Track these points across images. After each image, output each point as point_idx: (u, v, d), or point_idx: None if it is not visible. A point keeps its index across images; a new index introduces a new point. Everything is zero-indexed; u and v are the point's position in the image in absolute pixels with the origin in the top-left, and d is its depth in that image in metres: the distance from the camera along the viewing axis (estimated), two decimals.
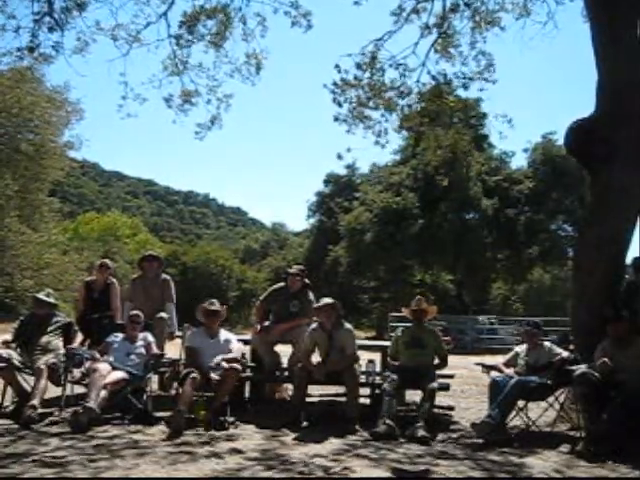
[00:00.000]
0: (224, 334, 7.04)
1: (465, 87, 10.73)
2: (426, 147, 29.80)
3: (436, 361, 6.98)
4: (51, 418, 6.25)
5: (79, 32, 10.12)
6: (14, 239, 18.13)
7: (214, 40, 10.60)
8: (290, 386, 7.31)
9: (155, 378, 7.51)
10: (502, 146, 33.71)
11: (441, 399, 7.14)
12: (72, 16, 9.81)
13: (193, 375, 6.25)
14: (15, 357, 6.61)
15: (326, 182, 44.95)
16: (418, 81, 10.59)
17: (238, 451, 5.24)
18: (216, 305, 7.07)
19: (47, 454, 4.95)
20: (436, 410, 6.84)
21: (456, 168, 29.09)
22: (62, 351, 6.86)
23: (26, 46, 9.71)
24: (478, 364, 7.28)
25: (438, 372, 6.88)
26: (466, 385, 9.98)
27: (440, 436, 6.11)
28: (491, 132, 23.04)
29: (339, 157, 42.93)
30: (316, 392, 7.32)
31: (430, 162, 29.55)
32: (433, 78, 10.62)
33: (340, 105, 10.69)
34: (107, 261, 8.94)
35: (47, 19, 9.64)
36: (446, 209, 29.05)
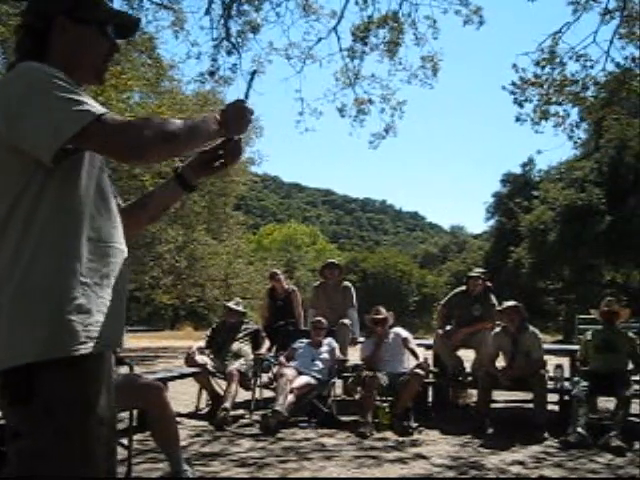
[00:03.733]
0: (392, 335, 7.12)
1: None
2: (611, 139, 28.27)
3: (630, 366, 6.56)
4: (242, 420, 6.58)
5: (255, 55, 10.67)
6: (203, 252, 19.28)
7: (387, 48, 10.68)
8: (474, 391, 7.19)
9: (339, 383, 7.68)
10: None
11: (637, 407, 6.70)
12: (247, 38, 10.35)
13: (375, 380, 6.33)
14: (209, 363, 6.97)
15: (503, 182, 43.94)
16: (604, 69, 10.02)
17: (424, 457, 5.22)
18: (382, 312, 7.18)
19: (241, 454, 5.19)
20: (632, 418, 6.43)
21: None
22: (251, 357, 7.19)
23: (208, 70, 10.40)
24: None
25: (634, 378, 6.47)
26: None
27: (637, 446, 5.71)
28: None
29: (530, 161, 41.96)
30: (501, 398, 7.14)
31: (617, 154, 27.93)
32: (618, 66, 10.02)
33: (521, 106, 10.37)
34: (276, 270, 9.38)
35: (225, 43, 10.24)
36: (636, 203, 27.25)
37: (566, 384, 6.73)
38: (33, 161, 1.62)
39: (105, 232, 1.76)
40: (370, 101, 11.09)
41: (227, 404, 6.41)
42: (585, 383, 6.21)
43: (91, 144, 1.65)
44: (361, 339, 7.95)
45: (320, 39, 10.56)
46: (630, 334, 6.83)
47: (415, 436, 6.01)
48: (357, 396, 6.81)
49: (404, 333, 7.19)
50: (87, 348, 1.63)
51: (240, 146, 2.02)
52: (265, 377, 7.19)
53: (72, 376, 1.61)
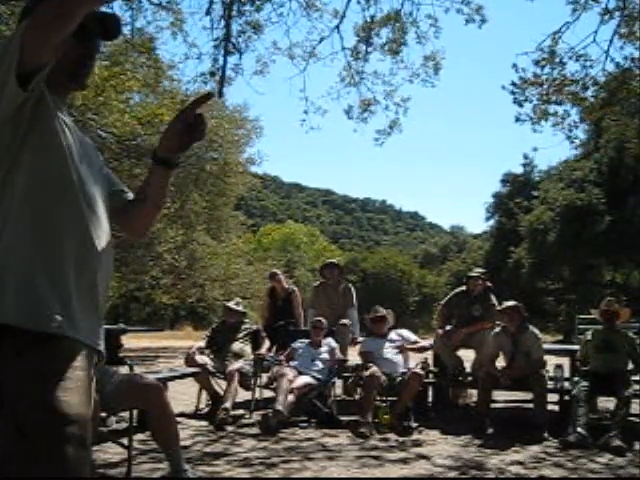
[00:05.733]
0: (395, 335, 7.15)
1: None
2: (611, 139, 28.28)
3: (630, 366, 6.56)
4: (242, 420, 6.58)
5: (258, 55, 10.64)
6: (202, 252, 19.29)
7: (390, 48, 10.68)
8: (474, 391, 7.19)
9: (339, 383, 7.67)
10: None
11: (637, 407, 6.70)
12: (250, 39, 10.35)
13: (375, 380, 6.34)
14: (209, 363, 6.96)
15: (503, 182, 43.95)
16: (604, 69, 10.01)
17: (425, 457, 5.22)
18: (380, 311, 7.22)
19: (242, 454, 5.18)
20: (632, 418, 6.43)
21: None
22: (251, 357, 7.18)
23: (208, 71, 10.39)
24: None
25: (634, 378, 6.47)
26: None
27: (637, 446, 5.71)
28: None
29: (525, 158, 41.99)
30: (501, 398, 7.14)
31: (616, 154, 27.92)
32: (617, 66, 10.01)
33: (521, 105, 10.37)
34: (276, 270, 9.41)
35: (226, 43, 10.23)
36: (635, 203, 27.27)
37: (566, 384, 6.73)
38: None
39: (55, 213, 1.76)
40: (374, 99, 11.08)
41: (227, 404, 6.40)
42: (585, 383, 6.20)
43: (36, 39, 1.62)
44: (361, 339, 7.95)
45: (323, 38, 10.55)
46: (630, 334, 6.84)
47: (415, 436, 6.01)
48: (357, 396, 6.81)
49: (406, 333, 7.21)
50: (24, 322, 1.60)
51: (203, 120, 2.09)
52: (265, 377, 7.19)
53: (28, 365, 1.57)
